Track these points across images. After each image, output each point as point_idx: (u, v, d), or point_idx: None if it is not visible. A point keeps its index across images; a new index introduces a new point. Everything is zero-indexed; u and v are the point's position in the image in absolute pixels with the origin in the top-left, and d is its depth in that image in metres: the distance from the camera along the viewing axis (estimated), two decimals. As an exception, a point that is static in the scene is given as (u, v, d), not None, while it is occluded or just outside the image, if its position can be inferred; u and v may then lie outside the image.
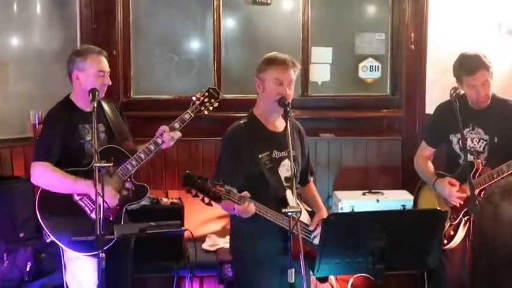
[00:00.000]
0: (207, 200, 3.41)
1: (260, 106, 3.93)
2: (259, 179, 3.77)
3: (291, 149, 3.60)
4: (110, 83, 4.12)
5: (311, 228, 3.89)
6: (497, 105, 4.33)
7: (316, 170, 6.00)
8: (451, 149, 4.50)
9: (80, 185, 3.94)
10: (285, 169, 3.84)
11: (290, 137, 3.68)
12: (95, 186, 3.53)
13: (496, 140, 4.29)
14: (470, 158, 4.33)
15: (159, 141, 4.11)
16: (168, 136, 4.11)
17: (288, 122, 3.65)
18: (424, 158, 4.63)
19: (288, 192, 3.75)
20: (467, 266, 4.07)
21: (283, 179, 3.83)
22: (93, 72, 4.03)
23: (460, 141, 4.27)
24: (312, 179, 4.21)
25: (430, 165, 4.60)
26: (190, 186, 3.40)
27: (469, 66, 4.25)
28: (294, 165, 3.75)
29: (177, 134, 4.15)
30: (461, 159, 4.39)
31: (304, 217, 3.88)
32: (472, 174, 4.19)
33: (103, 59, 4.12)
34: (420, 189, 4.69)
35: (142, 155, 4.08)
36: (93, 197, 3.76)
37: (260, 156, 3.78)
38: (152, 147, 4.09)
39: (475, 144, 4.40)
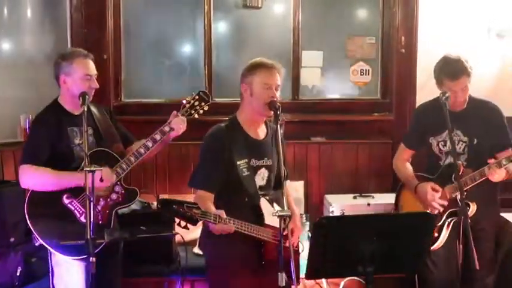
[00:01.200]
0: (183, 223, 3.45)
1: (245, 111, 3.93)
2: (235, 185, 3.78)
3: (281, 156, 3.61)
4: (97, 86, 4.09)
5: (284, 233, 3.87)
6: (475, 106, 4.35)
7: (307, 174, 6.07)
8: (430, 151, 4.51)
9: (70, 177, 3.89)
10: (261, 177, 3.87)
11: (272, 144, 3.84)
12: (86, 190, 3.51)
13: (475, 142, 4.30)
14: (450, 159, 4.38)
15: (167, 129, 4.08)
16: (177, 120, 4.08)
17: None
18: (403, 161, 4.65)
19: (263, 201, 3.78)
20: (458, 270, 4.07)
21: (258, 187, 3.84)
22: (80, 76, 4.00)
23: (449, 142, 4.29)
24: (286, 182, 4.16)
25: (410, 168, 4.62)
26: (167, 211, 3.43)
27: (451, 71, 4.26)
28: (270, 173, 3.86)
29: (184, 118, 4.12)
30: (441, 161, 4.45)
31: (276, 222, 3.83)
32: (454, 176, 4.22)
33: (90, 62, 4.08)
34: (401, 191, 4.70)
35: (133, 158, 4.05)
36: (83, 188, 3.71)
37: (238, 163, 3.78)
38: (142, 151, 4.06)
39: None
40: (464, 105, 4.32)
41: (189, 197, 3.63)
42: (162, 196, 5.70)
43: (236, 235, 3.64)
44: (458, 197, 3.94)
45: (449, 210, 4.26)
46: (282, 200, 3.94)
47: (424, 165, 4.67)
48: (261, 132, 3.94)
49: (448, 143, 4.39)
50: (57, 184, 3.92)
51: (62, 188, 3.93)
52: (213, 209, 3.61)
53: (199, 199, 3.69)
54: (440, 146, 4.45)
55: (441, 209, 4.28)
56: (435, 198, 4.28)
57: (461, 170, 4.22)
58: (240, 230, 3.63)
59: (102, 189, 3.93)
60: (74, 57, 4.03)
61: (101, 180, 3.68)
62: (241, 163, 3.79)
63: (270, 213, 3.66)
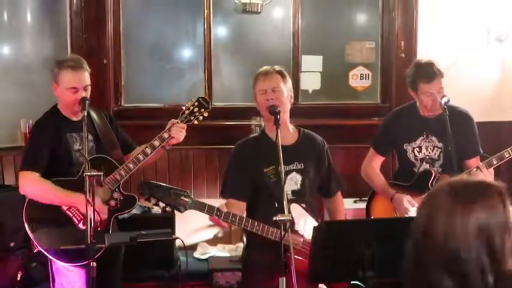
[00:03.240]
0: (169, 209, 3.47)
1: (264, 121, 3.98)
2: (264, 192, 3.79)
3: (281, 160, 3.51)
4: (83, 96, 4.00)
5: None
6: (448, 112, 4.34)
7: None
8: (405, 158, 4.51)
9: (69, 198, 3.89)
10: (293, 182, 3.83)
11: (298, 149, 3.84)
12: (86, 194, 3.51)
13: (450, 148, 4.30)
14: (425, 166, 4.42)
15: (166, 135, 4.06)
16: (176, 129, 4.07)
17: (279, 132, 3.61)
18: (374, 169, 4.64)
19: (293, 206, 3.72)
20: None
21: (289, 192, 3.79)
22: (66, 87, 3.96)
23: (424, 148, 4.41)
24: (338, 191, 4.18)
25: (382, 176, 4.62)
26: (151, 195, 3.43)
27: (426, 73, 4.27)
28: (304, 177, 3.83)
29: (184, 125, 4.10)
30: (416, 168, 4.47)
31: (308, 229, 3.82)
32: (430, 182, 4.31)
33: (78, 74, 3.98)
34: (372, 200, 4.70)
35: (131, 165, 4.04)
36: (82, 209, 3.74)
37: (265, 170, 3.78)
38: (141, 157, 4.04)
39: (429, 152, 4.44)
40: (440, 110, 4.31)
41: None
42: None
43: (267, 241, 3.62)
44: None
45: None
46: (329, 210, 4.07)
47: (396, 170, 4.76)
48: (290, 138, 3.92)
49: (423, 149, 4.42)
50: (55, 202, 3.92)
51: (59, 204, 3.93)
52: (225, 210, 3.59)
53: (226, 207, 3.67)
54: (416, 153, 4.46)
55: None
56: (410, 212, 4.27)
57: (436, 176, 4.26)
58: (251, 229, 3.62)
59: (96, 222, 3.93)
60: (62, 68, 3.97)
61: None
62: (268, 170, 3.77)
63: (301, 217, 3.66)
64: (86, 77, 4.01)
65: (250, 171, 3.82)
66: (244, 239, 4.09)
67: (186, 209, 3.50)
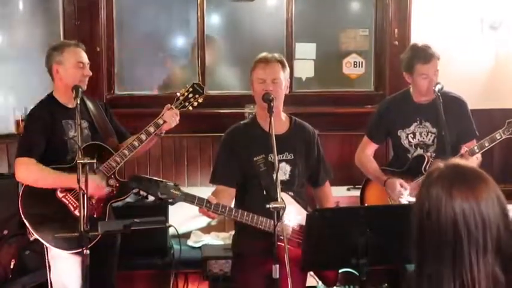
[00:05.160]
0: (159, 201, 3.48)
1: (256, 107, 3.96)
2: (253, 181, 3.79)
3: (275, 150, 3.52)
4: (90, 73, 4.09)
5: None
6: (442, 98, 4.34)
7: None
8: (399, 144, 4.55)
9: (65, 179, 3.89)
10: (282, 172, 3.80)
11: (297, 139, 3.86)
12: (79, 182, 3.52)
13: (443, 132, 4.31)
14: (419, 151, 4.46)
15: (160, 121, 4.07)
16: (169, 113, 4.07)
17: (272, 120, 3.60)
18: (368, 156, 4.68)
19: (283, 196, 3.71)
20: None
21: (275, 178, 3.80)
22: (72, 64, 4.01)
23: (418, 134, 4.45)
24: (326, 181, 4.17)
25: (375, 164, 4.65)
26: (140, 188, 3.45)
27: (423, 55, 4.32)
28: (293, 168, 3.84)
29: (176, 111, 4.11)
30: (410, 154, 4.51)
31: (303, 221, 3.85)
32: (423, 167, 4.36)
33: (80, 51, 4.09)
34: (366, 187, 4.73)
35: (127, 151, 4.05)
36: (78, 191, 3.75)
37: (255, 159, 3.78)
38: (136, 144, 4.06)
39: (423, 138, 4.48)
40: (434, 94, 4.32)
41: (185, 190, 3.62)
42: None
43: (256, 229, 3.65)
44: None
45: None
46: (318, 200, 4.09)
47: (390, 159, 4.80)
48: (281, 127, 3.90)
49: (417, 135, 4.46)
50: (51, 184, 3.94)
51: (55, 187, 3.94)
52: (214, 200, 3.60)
53: (216, 193, 3.73)
54: (410, 139, 4.50)
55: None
56: (403, 195, 4.31)
57: (429, 161, 4.30)
58: (240, 219, 3.63)
59: (95, 196, 3.94)
60: (64, 47, 4.06)
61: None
62: (258, 159, 3.77)
63: (290, 205, 3.64)
64: (86, 55, 4.12)
65: (239, 158, 3.82)
66: (235, 227, 4.08)
67: (176, 202, 3.51)
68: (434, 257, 1.90)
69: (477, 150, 4.27)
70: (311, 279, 4.08)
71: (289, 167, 3.86)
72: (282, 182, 3.73)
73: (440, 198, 1.90)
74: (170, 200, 3.49)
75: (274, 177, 3.50)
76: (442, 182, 1.92)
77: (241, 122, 3.99)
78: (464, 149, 4.26)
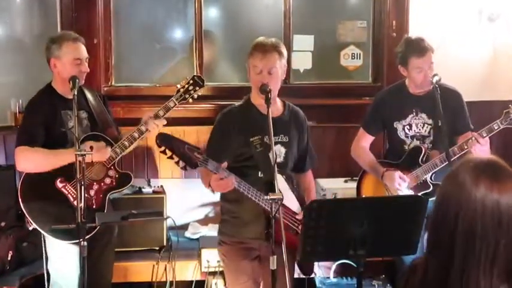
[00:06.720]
0: (182, 164, 3.43)
1: (252, 91, 3.94)
2: (249, 161, 3.80)
3: (272, 136, 3.52)
4: (88, 70, 4.09)
5: (298, 217, 3.88)
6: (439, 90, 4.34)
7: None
8: (395, 136, 4.57)
9: (66, 153, 3.89)
10: (277, 155, 3.82)
11: (291, 122, 3.89)
12: (76, 174, 3.52)
13: (440, 124, 4.32)
14: (416, 143, 4.48)
15: (143, 128, 4.10)
16: (153, 124, 4.09)
17: (270, 109, 3.60)
18: (364, 148, 4.70)
19: (278, 177, 3.72)
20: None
21: (272, 163, 3.81)
22: (69, 60, 4.00)
23: (414, 125, 4.48)
24: (309, 168, 4.19)
25: (371, 155, 4.66)
26: (167, 147, 3.40)
27: (417, 48, 4.33)
28: (288, 150, 3.86)
29: (162, 122, 4.13)
30: (406, 145, 4.52)
31: (294, 205, 3.88)
32: (420, 158, 4.39)
33: (80, 45, 4.07)
34: (362, 179, 4.74)
35: (127, 143, 4.07)
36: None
37: (251, 139, 3.79)
38: (136, 135, 4.08)
39: (420, 129, 4.50)
40: (431, 86, 4.32)
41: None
42: (153, 180, 5.69)
43: (247, 214, 3.73)
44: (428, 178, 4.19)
45: (420, 194, 4.30)
46: (301, 186, 4.10)
47: (386, 151, 4.83)
48: (277, 110, 3.92)
49: (414, 127, 4.47)
50: (52, 162, 3.92)
51: (57, 166, 3.92)
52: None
53: (205, 173, 3.72)
54: (406, 130, 4.52)
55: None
56: (402, 187, 4.31)
57: (426, 152, 4.31)
58: (241, 189, 3.64)
59: (100, 162, 3.95)
60: (63, 41, 4.03)
61: (91, 148, 3.70)
62: (254, 139, 3.80)
63: (285, 190, 3.64)
64: (85, 49, 4.11)
65: (236, 139, 3.82)
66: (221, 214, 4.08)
67: (197, 166, 3.49)
68: (446, 244, 1.91)
69: (485, 134, 4.23)
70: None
71: (284, 149, 3.90)
72: (277, 164, 3.72)
73: (464, 182, 1.90)
74: (192, 164, 3.45)
75: (271, 160, 3.51)
76: (473, 169, 1.92)
77: (236, 104, 3.98)
78: (474, 134, 4.22)
